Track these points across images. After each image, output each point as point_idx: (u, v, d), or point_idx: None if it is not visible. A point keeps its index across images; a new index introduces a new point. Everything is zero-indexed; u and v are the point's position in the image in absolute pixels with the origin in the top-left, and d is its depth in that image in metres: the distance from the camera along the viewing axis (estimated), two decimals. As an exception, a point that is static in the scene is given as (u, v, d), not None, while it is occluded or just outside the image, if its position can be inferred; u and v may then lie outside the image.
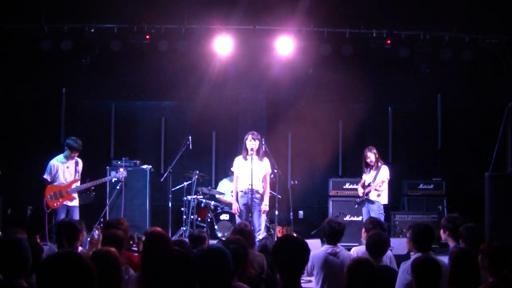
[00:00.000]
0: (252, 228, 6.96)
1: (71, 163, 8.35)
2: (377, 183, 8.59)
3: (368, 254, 5.01)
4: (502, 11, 9.51)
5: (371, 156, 8.77)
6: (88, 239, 5.71)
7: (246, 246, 4.31)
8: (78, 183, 8.37)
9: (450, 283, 4.01)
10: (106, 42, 9.91)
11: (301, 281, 3.68)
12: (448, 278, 4.05)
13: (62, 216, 8.08)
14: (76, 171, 8.36)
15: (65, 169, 8.31)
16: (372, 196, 8.67)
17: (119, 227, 5.23)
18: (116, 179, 9.16)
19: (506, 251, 4.29)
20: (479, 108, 10.89)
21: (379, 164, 8.80)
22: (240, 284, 3.73)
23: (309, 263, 5.29)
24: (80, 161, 8.44)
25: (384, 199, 8.73)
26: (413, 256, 4.89)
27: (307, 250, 3.64)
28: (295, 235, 4.10)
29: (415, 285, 3.90)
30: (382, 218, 8.33)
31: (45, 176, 8.29)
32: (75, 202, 8.34)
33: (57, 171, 8.28)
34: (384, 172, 8.72)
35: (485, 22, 9.81)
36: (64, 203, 8.23)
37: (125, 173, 9.05)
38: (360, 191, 8.83)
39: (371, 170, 8.81)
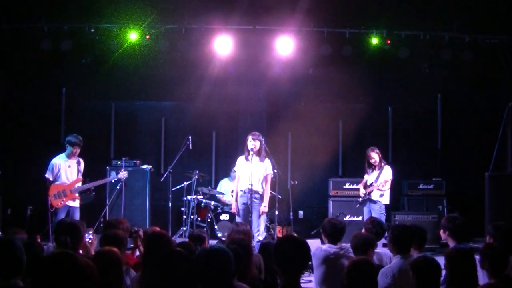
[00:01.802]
0: (251, 228, 6.96)
1: (73, 162, 8.31)
2: (379, 182, 8.57)
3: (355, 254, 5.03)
4: (502, 11, 9.51)
5: (375, 156, 8.74)
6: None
7: (249, 247, 4.31)
8: (81, 183, 8.35)
9: (448, 283, 4.01)
10: (105, 42, 9.93)
11: (301, 281, 3.68)
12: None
13: (62, 216, 8.03)
14: (78, 170, 8.33)
15: (67, 168, 8.27)
16: (375, 196, 8.65)
17: (119, 227, 5.23)
18: (116, 179, 9.14)
19: (505, 252, 4.29)
20: (479, 108, 10.89)
21: (382, 164, 8.78)
22: (240, 284, 3.74)
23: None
24: (82, 160, 8.41)
25: (386, 199, 8.70)
26: (395, 259, 4.85)
27: (307, 250, 3.64)
28: (295, 235, 4.09)
29: (416, 286, 3.89)
30: (383, 218, 8.32)
31: (46, 175, 8.24)
32: (77, 203, 8.32)
33: (59, 169, 8.24)
34: (387, 172, 8.70)
35: (485, 22, 9.82)
36: (67, 203, 8.21)
37: (126, 174, 9.04)
38: (362, 191, 8.80)
39: (374, 170, 8.79)
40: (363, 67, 10.50)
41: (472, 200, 9.47)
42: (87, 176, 8.73)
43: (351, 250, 5.30)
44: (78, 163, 8.35)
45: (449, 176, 10.56)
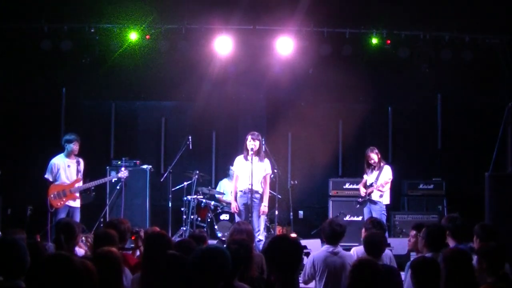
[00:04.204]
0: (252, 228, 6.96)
1: (73, 162, 8.32)
2: (380, 183, 8.55)
3: (366, 254, 5.02)
4: (502, 11, 9.51)
5: (374, 157, 8.73)
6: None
7: (250, 247, 4.31)
8: (81, 183, 8.35)
9: (445, 284, 4.01)
10: (105, 42, 9.93)
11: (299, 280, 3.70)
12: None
13: (63, 216, 8.05)
14: (78, 170, 8.33)
15: (66, 168, 8.28)
16: (375, 196, 8.64)
17: (121, 227, 5.23)
18: (116, 179, 9.13)
19: (502, 251, 4.30)
20: (479, 108, 10.88)
21: (382, 164, 8.77)
22: (241, 284, 3.74)
23: (309, 264, 5.31)
24: (81, 160, 8.42)
25: (386, 200, 8.69)
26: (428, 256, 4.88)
27: (299, 248, 3.69)
28: (292, 235, 4.11)
29: (415, 285, 3.90)
30: (384, 218, 8.31)
31: (46, 176, 8.24)
32: (77, 203, 8.32)
33: (58, 169, 8.24)
34: (387, 172, 8.69)
35: (485, 22, 9.82)
36: (67, 203, 8.20)
37: (127, 173, 9.04)
38: (363, 191, 8.78)
39: (373, 171, 8.78)
40: (363, 67, 10.49)
41: (472, 200, 9.45)
42: (87, 176, 8.74)
43: (346, 252, 5.34)
44: (78, 163, 8.35)
45: (449, 176, 10.56)
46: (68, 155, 8.28)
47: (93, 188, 8.76)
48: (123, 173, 8.97)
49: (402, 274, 5.24)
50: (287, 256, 3.63)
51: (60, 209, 8.16)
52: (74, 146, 8.24)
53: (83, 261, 3.13)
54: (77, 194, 8.32)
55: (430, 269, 3.90)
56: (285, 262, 3.61)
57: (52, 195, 8.14)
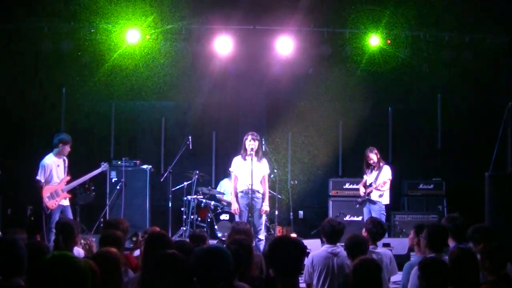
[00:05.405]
0: (252, 228, 6.96)
1: (61, 161, 8.35)
2: (379, 183, 8.57)
3: (347, 255, 5.03)
4: (502, 11, 9.52)
5: (373, 157, 8.74)
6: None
7: (250, 247, 4.31)
8: (68, 181, 8.39)
9: (451, 284, 4.02)
10: (105, 42, 9.94)
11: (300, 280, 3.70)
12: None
13: (57, 216, 8.09)
14: (65, 168, 8.36)
15: (57, 168, 8.30)
16: (374, 196, 8.65)
17: (119, 227, 5.23)
18: (100, 172, 9.13)
19: (505, 251, 4.32)
20: (479, 108, 10.88)
21: (381, 164, 8.77)
22: (241, 284, 3.74)
23: (309, 264, 5.31)
24: (66, 158, 8.44)
25: (385, 199, 8.70)
26: (421, 257, 4.86)
27: (302, 249, 3.65)
28: (292, 235, 4.11)
29: (423, 286, 3.90)
30: (383, 218, 8.31)
31: (38, 177, 8.21)
32: (68, 201, 8.38)
33: (51, 171, 8.24)
34: (386, 172, 8.70)
35: (485, 22, 9.82)
36: (60, 202, 8.22)
37: (107, 166, 9.07)
38: (362, 190, 8.80)
39: (373, 171, 8.78)
40: (363, 67, 10.49)
41: (472, 200, 9.46)
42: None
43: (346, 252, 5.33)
44: (64, 161, 8.40)
45: (449, 176, 10.56)
46: (57, 155, 8.28)
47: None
48: (104, 166, 9.01)
49: (400, 274, 5.24)
50: (291, 258, 3.58)
51: (55, 209, 8.18)
52: (68, 148, 8.27)
53: (86, 261, 3.13)
54: (67, 193, 8.35)
55: (439, 269, 3.91)
56: (288, 264, 3.57)
57: (46, 197, 8.15)
